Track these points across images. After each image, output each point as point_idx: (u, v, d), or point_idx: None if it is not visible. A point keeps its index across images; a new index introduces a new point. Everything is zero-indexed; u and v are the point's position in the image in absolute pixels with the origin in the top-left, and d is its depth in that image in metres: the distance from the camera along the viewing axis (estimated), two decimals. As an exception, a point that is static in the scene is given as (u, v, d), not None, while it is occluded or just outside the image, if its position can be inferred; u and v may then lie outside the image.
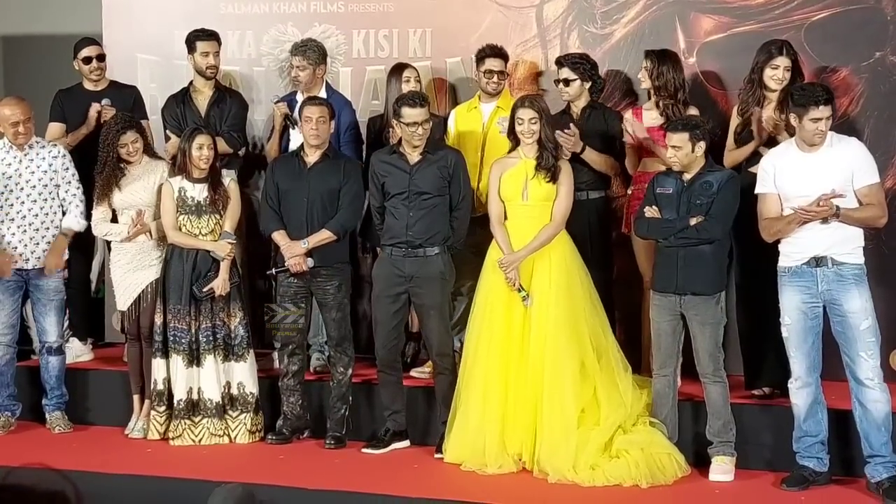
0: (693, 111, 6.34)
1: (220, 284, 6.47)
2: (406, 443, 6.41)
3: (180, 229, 6.51)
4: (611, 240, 6.62)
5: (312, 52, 6.82)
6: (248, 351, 6.59)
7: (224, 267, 6.47)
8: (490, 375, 6.05)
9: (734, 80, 6.64)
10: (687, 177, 5.89)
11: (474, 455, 6.03)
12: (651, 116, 6.40)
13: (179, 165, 6.52)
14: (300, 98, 6.81)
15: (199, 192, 6.50)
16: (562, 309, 6.02)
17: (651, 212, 5.91)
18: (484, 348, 6.08)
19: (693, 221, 5.82)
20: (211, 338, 6.51)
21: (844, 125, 6.57)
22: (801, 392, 5.76)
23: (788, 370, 6.05)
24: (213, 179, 6.49)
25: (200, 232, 6.51)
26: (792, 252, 5.69)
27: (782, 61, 6.15)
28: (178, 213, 6.50)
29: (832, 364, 5.85)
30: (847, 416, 5.84)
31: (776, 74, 6.16)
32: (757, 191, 5.79)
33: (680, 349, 6.00)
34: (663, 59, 6.37)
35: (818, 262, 5.63)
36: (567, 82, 6.50)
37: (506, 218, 6.14)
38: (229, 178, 6.61)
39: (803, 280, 5.67)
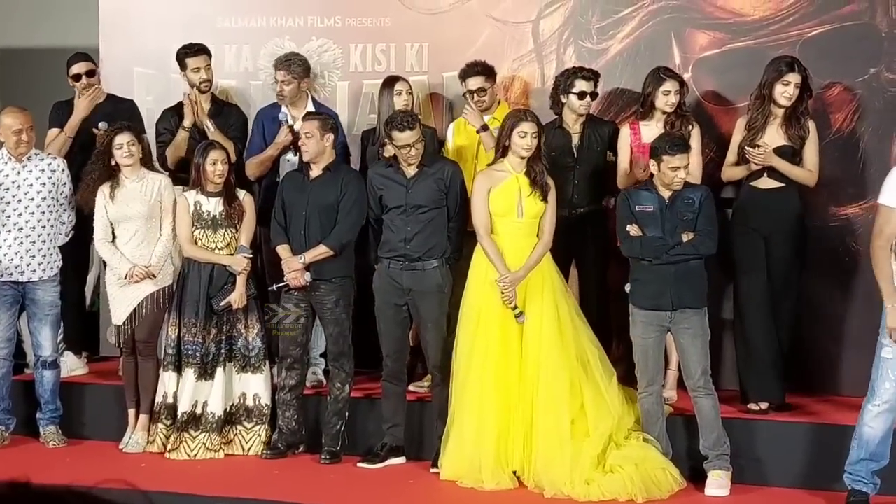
0: (696, 127, 6.35)
1: (237, 298, 6.47)
2: (402, 459, 6.39)
3: (196, 243, 6.52)
4: (607, 253, 6.61)
5: (296, 65, 6.82)
6: (265, 363, 6.59)
7: (241, 281, 6.47)
8: (486, 391, 6.04)
9: (729, 95, 6.68)
10: (667, 193, 5.90)
11: (471, 471, 6.01)
12: (651, 133, 6.39)
13: (194, 180, 6.53)
14: (285, 111, 6.83)
15: (214, 206, 6.51)
16: (553, 323, 6.02)
17: (634, 230, 5.91)
18: (479, 363, 6.06)
19: (685, 238, 5.84)
20: (226, 349, 6.52)
21: (839, 141, 6.61)
22: (882, 417, 5.53)
23: (784, 386, 6.07)
24: (227, 193, 6.49)
25: (216, 246, 6.52)
26: None
27: (793, 78, 6.16)
28: (194, 227, 6.51)
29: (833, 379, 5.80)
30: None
31: (787, 91, 6.17)
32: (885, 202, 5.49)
33: (664, 364, 5.99)
34: (679, 75, 6.38)
35: None
36: (594, 95, 6.50)
37: (493, 231, 6.11)
38: (244, 192, 6.60)
39: None
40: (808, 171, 6.24)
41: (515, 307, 6.00)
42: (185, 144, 6.86)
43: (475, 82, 6.60)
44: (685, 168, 5.81)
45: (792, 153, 6.22)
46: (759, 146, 6.16)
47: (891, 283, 5.44)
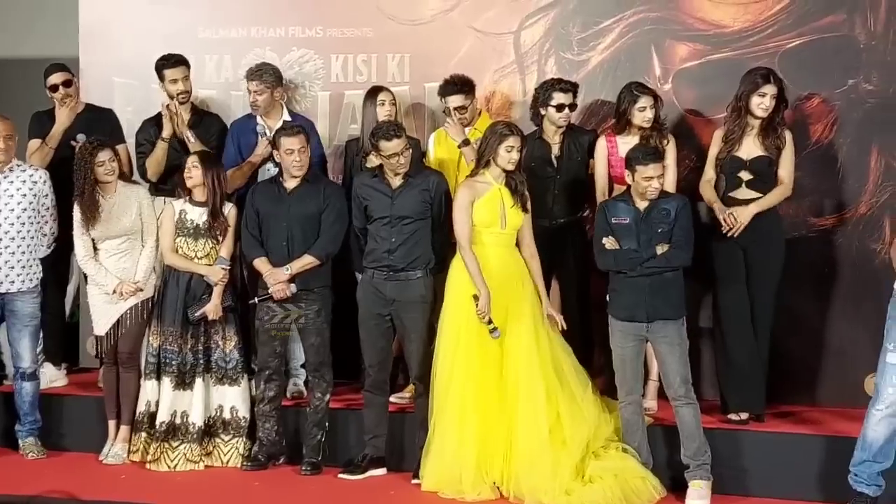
0: (672, 141, 6.39)
1: (212, 310, 6.46)
2: (383, 470, 6.38)
3: (177, 251, 6.51)
4: (588, 263, 6.62)
5: (268, 75, 6.82)
6: (243, 375, 6.58)
7: (217, 292, 6.47)
8: (466, 401, 6.04)
9: (709, 106, 6.72)
10: (643, 205, 5.92)
11: (452, 482, 6.02)
12: (628, 146, 6.39)
13: (181, 189, 6.57)
14: (261, 123, 6.84)
15: (198, 216, 6.51)
16: (531, 334, 6.04)
17: (610, 242, 5.93)
18: (459, 374, 6.06)
19: (660, 250, 5.86)
20: (203, 360, 6.51)
21: (818, 153, 6.65)
22: (886, 420, 5.59)
23: (764, 396, 6.09)
24: (214, 205, 6.49)
25: (196, 255, 6.52)
26: None
27: (769, 89, 6.20)
28: (176, 234, 6.52)
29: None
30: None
31: (763, 102, 6.21)
32: None
33: (643, 373, 6.01)
34: (653, 90, 6.41)
35: None
36: (573, 107, 6.52)
37: (473, 243, 6.11)
38: (230, 206, 6.59)
39: None
40: (782, 189, 6.26)
41: (490, 322, 6.00)
42: (164, 156, 6.85)
43: (455, 100, 6.61)
44: (658, 178, 5.84)
45: (769, 163, 6.25)
46: (733, 216, 6.15)
47: None
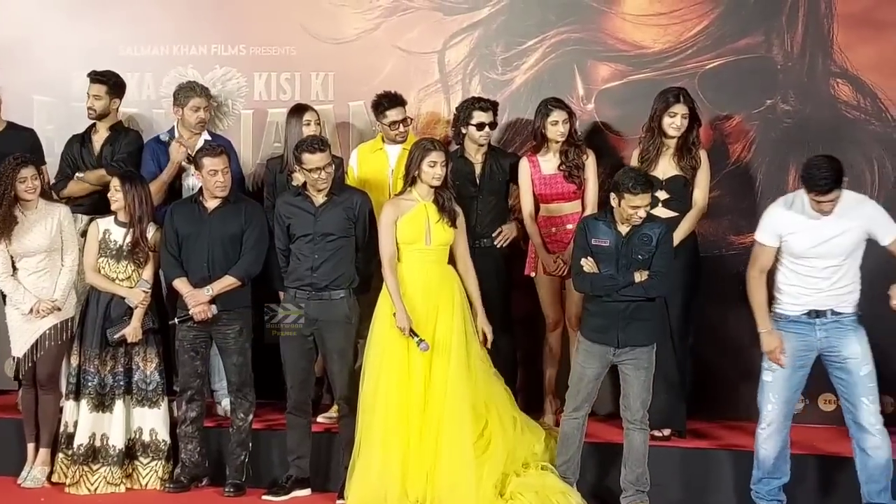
0: (591, 156, 6.45)
1: (131, 332, 6.39)
2: (307, 491, 6.34)
3: (99, 271, 6.44)
4: (511, 282, 6.66)
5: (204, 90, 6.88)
6: (163, 398, 6.50)
7: (137, 315, 6.39)
8: (390, 420, 6.04)
9: (630, 126, 6.80)
10: (624, 229, 5.84)
11: (377, 500, 5.99)
12: (549, 164, 6.48)
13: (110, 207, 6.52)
14: (173, 130, 6.84)
15: (122, 237, 6.44)
16: (459, 351, 6.05)
17: (588, 265, 5.81)
18: (383, 392, 6.06)
19: (638, 278, 5.76)
20: (123, 382, 6.43)
21: (737, 172, 6.77)
22: (773, 438, 5.72)
23: (685, 412, 6.16)
24: (136, 226, 6.42)
25: (118, 277, 6.44)
26: (791, 304, 5.65)
27: (680, 109, 6.28)
28: (99, 255, 6.45)
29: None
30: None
31: (674, 122, 6.29)
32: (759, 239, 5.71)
33: (596, 394, 6.03)
34: (567, 106, 6.47)
35: (818, 314, 5.62)
36: (493, 125, 6.55)
37: (399, 260, 6.13)
38: (155, 227, 6.52)
39: (799, 328, 5.62)
40: (696, 211, 6.33)
41: (414, 335, 6.00)
42: (80, 191, 6.87)
43: (395, 114, 6.61)
44: (644, 208, 5.74)
45: (684, 183, 6.33)
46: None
47: (763, 310, 5.67)
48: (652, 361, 5.88)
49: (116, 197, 6.41)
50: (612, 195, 5.79)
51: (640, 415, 5.88)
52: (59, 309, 6.47)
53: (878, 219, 5.60)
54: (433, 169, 6.04)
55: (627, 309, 5.77)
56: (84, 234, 6.68)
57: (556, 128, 6.38)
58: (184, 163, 6.76)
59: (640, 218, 5.76)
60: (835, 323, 5.60)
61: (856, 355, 5.61)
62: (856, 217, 5.55)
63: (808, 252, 5.57)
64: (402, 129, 6.63)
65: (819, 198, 5.46)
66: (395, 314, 6.01)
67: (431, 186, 6.08)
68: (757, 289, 5.68)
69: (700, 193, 6.34)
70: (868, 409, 5.62)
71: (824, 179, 5.41)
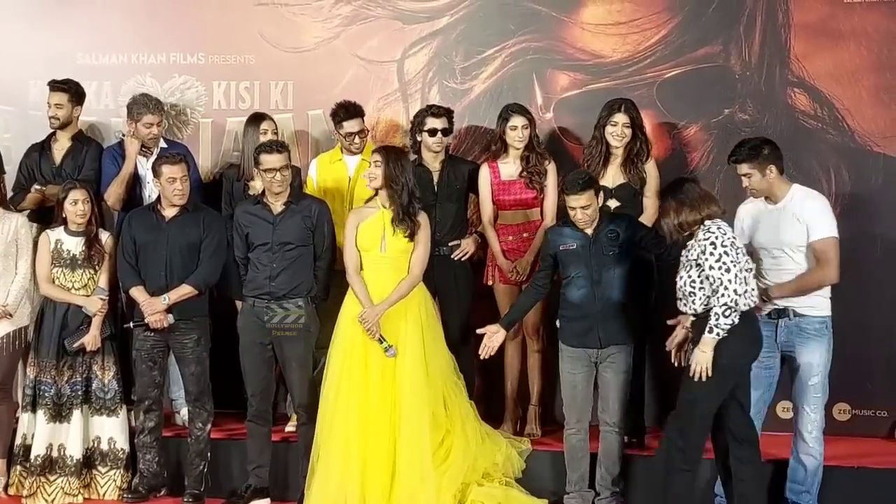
0: (552, 164, 6.47)
1: (90, 341, 6.35)
2: (266, 500, 6.31)
3: (53, 282, 6.39)
4: (471, 291, 6.65)
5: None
6: (121, 406, 6.47)
7: (95, 323, 6.36)
8: (350, 429, 6.02)
9: (589, 135, 6.76)
10: (590, 230, 5.88)
11: (336, 509, 5.98)
12: (509, 170, 6.50)
13: (57, 217, 6.44)
14: (125, 129, 6.83)
15: (75, 246, 6.40)
16: (419, 360, 6.04)
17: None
18: (343, 401, 6.05)
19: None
20: (81, 391, 6.39)
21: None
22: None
23: (643, 420, 6.16)
24: (90, 234, 6.38)
25: (73, 286, 6.40)
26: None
27: (620, 118, 6.33)
28: (53, 265, 6.40)
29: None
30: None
31: (615, 131, 6.34)
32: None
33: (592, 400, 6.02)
34: (528, 112, 6.49)
35: (780, 313, 5.72)
36: (447, 132, 6.55)
37: (362, 268, 6.14)
38: (107, 234, 6.49)
39: (763, 329, 5.65)
40: (647, 218, 6.31)
41: (382, 340, 5.99)
42: (33, 203, 6.80)
43: (352, 125, 6.62)
44: (583, 209, 5.78)
45: (633, 194, 6.37)
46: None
47: None
48: (630, 364, 5.94)
49: (83, 209, 6.36)
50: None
51: (617, 417, 5.92)
52: (11, 315, 6.41)
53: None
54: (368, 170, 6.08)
55: (604, 309, 5.84)
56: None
57: (516, 133, 6.40)
58: (142, 168, 6.73)
59: (583, 220, 5.80)
60: (796, 326, 5.67)
61: (809, 364, 5.69)
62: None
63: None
64: (357, 140, 6.64)
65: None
66: (360, 318, 5.99)
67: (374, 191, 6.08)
68: None
69: (650, 202, 6.37)
70: (808, 417, 5.76)
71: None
